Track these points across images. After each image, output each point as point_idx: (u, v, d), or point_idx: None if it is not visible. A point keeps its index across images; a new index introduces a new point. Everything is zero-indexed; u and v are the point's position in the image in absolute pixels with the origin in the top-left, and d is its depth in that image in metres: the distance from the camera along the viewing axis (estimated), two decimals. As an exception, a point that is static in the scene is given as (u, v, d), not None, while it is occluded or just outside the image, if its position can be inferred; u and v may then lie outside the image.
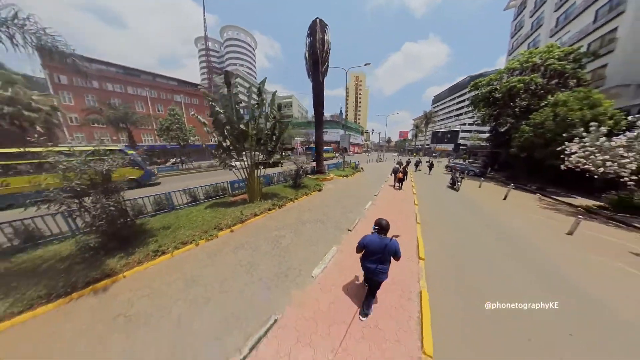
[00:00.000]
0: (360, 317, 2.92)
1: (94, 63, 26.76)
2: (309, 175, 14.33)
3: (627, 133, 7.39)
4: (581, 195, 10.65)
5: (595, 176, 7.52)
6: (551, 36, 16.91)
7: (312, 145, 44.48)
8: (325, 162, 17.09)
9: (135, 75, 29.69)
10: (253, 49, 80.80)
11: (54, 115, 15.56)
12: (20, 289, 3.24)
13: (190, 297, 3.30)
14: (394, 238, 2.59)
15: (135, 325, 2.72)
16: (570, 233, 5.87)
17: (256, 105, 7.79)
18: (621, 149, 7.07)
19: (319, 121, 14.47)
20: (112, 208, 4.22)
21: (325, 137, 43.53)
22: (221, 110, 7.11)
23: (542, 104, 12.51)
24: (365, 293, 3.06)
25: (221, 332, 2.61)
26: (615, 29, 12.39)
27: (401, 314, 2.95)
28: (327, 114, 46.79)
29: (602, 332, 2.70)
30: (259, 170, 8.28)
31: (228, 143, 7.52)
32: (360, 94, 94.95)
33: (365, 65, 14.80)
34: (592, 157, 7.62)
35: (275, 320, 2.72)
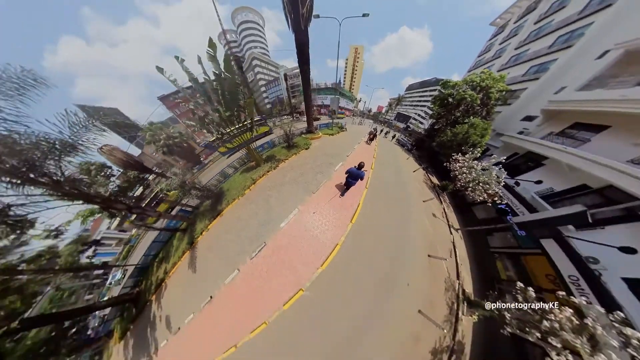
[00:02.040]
0: (340, 196, 8.68)
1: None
2: (303, 135, 16.47)
3: (483, 162, 11.70)
4: (439, 177, 17.02)
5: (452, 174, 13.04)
6: (498, 70, 19.83)
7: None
8: (317, 123, 20.09)
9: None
10: (262, 27, 79.16)
11: (186, 135, 25.11)
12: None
13: (238, 226, 8.15)
14: (364, 171, 6.13)
15: (228, 234, 8.04)
16: (425, 201, 11.17)
17: (214, 82, 8.23)
18: (473, 169, 12.29)
19: (306, 82, 13.14)
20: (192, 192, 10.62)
21: (326, 102, 45.54)
22: (192, 107, 8.90)
23: (465, 120, 15.49)
24: (342, 190, 8.64)
25: (246, 245, 7.42)
26: (525, 89, 16.02)
27: (315, 257, 6.98)
28: (329, 81, 49.31)
29: (400, 238, 7.90)
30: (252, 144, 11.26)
31: (214, 136, 9.44)
32: (356, 66, 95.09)
33: (364, 16, 12.56)
34: (463, 168, 12.26)
35: (265, 244, 7.20)
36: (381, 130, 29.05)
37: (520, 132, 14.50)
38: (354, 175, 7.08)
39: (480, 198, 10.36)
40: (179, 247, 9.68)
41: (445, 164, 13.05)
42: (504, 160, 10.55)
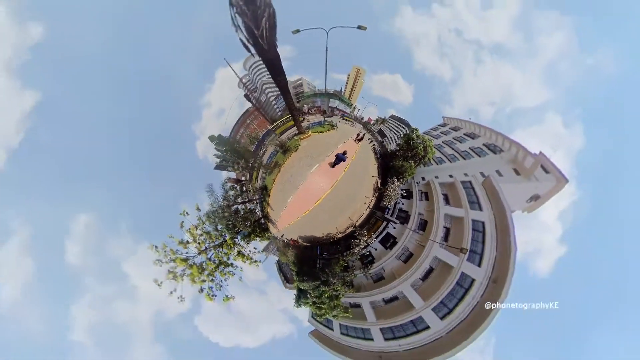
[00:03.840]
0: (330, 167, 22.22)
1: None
2: (295, 137, 21.93)
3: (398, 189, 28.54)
4: (380, 182, 25.86)
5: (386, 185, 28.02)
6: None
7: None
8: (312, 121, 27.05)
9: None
10: (267, 59, 79.20)
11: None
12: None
13: (278, 197, 22.74)
14: (345, 156, 20.56)
15: (277, 200, 21.84)
16: (365, 196, 26.79)
17: (227, 152, 24.30)
18: (395, 190, 23.30)
19: (284, 91, 13.95)
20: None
21: (327, 105, 49.17)
22: (229, 169, 23.80)
23: (410, 161, 21.71)
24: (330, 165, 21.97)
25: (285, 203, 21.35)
26: (432, 165, 33.76)
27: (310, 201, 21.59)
28: (331, 89, 50.87)
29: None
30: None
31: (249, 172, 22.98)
32: (356, 84, 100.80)
33: (359, 28, 11.54)
34: (392, 187, 21.38)
35: (288, 202, 21.51)
36: (368, 138, 40.17)
37: (417, 182, 31.38)
38: (339, 158, 16.96)
39: (386, 203, 26.49)
40: (266, 207, 21.45)
41: (387, 178, 21.98)
42: (404, 193, 26.81)
